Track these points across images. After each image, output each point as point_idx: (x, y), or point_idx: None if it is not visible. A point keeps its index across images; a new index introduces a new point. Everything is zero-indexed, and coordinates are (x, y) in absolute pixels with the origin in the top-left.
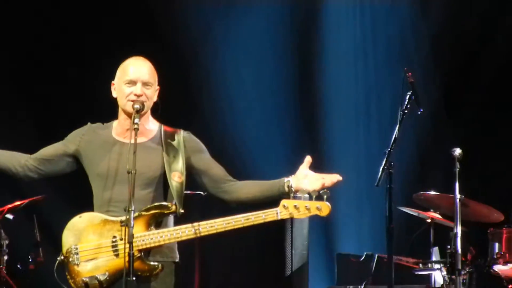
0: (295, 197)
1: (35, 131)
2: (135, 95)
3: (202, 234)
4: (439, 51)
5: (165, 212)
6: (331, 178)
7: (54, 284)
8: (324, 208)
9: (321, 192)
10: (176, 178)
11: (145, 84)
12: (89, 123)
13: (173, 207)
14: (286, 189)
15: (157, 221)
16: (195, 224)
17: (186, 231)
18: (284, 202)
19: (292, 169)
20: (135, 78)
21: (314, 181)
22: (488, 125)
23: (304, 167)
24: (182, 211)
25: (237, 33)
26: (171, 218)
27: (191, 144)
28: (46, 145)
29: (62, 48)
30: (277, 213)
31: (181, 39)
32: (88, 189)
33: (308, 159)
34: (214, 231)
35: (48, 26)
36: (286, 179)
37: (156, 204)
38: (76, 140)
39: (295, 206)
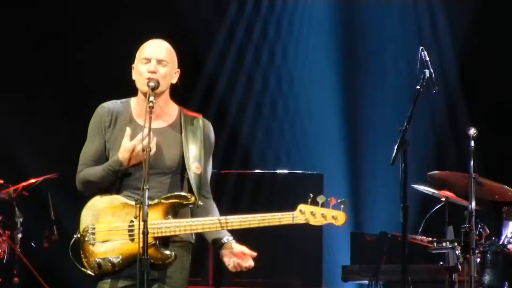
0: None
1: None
2: (149, 71)
3: (217, 229)
4: (456, 30)
5: (184, 202)
6: (242, 265)
7: (68, 262)
8: (340, 217)
9: (339, 201)
10: (195, 169)
11: (159, 61)
12: (101, 105)
13: (192, 199)
14: (220, 241)
15: (175, 211)
16: (213, 218)
17: (203, 224)
18: (301, 207)
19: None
20: (149, 56)
21: (232, 261)
22: (503, 103)
23: (246, 252)
24: (201, 203)
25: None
26: (188, 209)
27: (207, 139)
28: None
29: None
30: (293, 217)
31: (196, 23)
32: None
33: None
34: (230, 227)
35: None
36: (230, 237)
37: (176, 193)
38: (102, 128)
39: (311, 212)
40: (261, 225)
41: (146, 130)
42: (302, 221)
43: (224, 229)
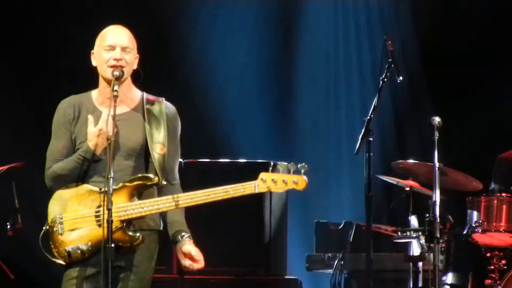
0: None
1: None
2: (115, 59)
3: (182, 206)
4: (419, 19)
5: (148, 183)
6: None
7: (33, 250)
8: (300, 181)
9: (299, 166)
10: (158, 150)
11: (124, 49)
12: (62, 101)
13: (156, 179)
14: (177, 237)
15: (140, 193)
16: (175, 196)
17: (167, 203)
18: (262, 175)
19: (269, 141)
20: (113, 43)
21: (184, 261)
22: (467, 93)
23: (192, 254)
24: (165, 182)
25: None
26: (154, 190)
27: (170, 122)
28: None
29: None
30: (255, 186)
31: (161, 7)
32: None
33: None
34: (194, 204)
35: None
36: (185, 236)
37: (139, 175)
38: (67, 122)
39: (272, 180)
40: (224, 197)
41: (107, 113)
42: (265, 189)
43: (190, 205)
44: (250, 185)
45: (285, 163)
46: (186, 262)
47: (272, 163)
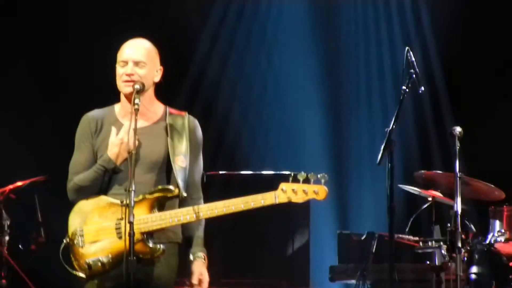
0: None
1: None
2: (126, 75)
3: (202, 217)
4: (440, 30)
5: (169, 195)
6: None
7: (55, 264)
8: (321, 191)
9: (319, 176)
10: (180, 162)
11: (136, 63)
12: (85, 115)
13: (176, 191)
14: (190, 256)
15: (160, 204)
16: (196, 207)
17: (187, 215)
18: (282, 185)
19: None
20: (126, 58)
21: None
22: (488, 103)
23: (196, 276)
24: (185, 194)
25: (239, 17)
26: (176, 202)
27: (193, 136)
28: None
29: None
30: (275, 197)
31: (180, 22)
32: None
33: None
34: (214, 215)
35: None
36: (198, 255)
37: (160, 187)
38: (89, 136)
39: (293, 190)
40: (245, 208)
41: (129, 126)
42: (285, 200)
43: (210, 216)
44: (271, 196)
45: (305, 173)
46: (193, 281)
47: (292, 174)
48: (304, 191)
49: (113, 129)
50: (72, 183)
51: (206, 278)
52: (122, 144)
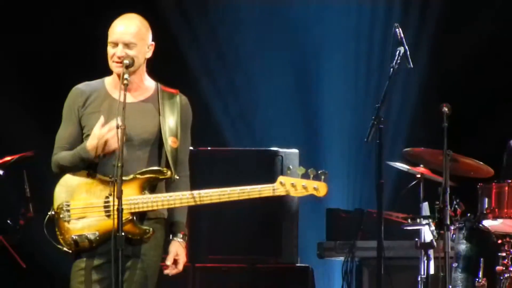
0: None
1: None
2: (117, 56)
3: (196, 203)
4: (429, 7)
5: (160, 177)
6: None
7: (44, 240)
8: (321, 188)
9: (319, 172)
10: (171, 143)
11: (126, 45)
12: (74, 87)
13: (168, 173)
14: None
15: (151, 186)
16: (191, 192)
17: (181, 198)
18: (281, 178)
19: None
20: (116, 39)
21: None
22: (477, 80)
23: (168, 259)
24: (177, 177)
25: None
26: (163, 183)
27: (184, 115)
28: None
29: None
30: (273, 189)
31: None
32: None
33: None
34: (209, 201)
35: None
36: (177, 239)
37: (151, 168)
38: (75, 109)
39: (292, 184)
40: (241, 197)
41: (116, 123)
42: (283, 193)
43: (204, 202)
44: (268, 188)
45: (304, 168)
46: (167, 262)
47: (290, 167)
48: (303, 186)
49: (101, 118)
50: (55, 158)
51: (182, 259)
52: (102, 139)
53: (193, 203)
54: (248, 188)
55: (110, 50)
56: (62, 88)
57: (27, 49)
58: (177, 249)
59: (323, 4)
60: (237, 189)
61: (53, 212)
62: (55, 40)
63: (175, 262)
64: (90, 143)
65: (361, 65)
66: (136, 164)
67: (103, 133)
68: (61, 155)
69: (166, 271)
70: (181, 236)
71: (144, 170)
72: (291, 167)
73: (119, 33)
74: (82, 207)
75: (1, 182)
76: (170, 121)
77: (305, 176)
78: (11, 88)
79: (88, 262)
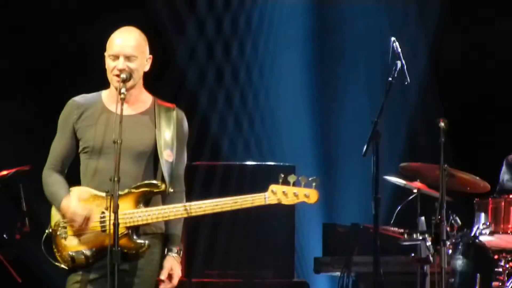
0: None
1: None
2: (118, 69)
3: (190, 214)
4: (427, 22)
5: (155, 190)
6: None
7: (40, 254)
8: (312, 195)
9: (310, 179)
10: (167, 157)
11: (127, 58)
12: (71, 99)
13: (163, 186)
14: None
15: (146, 199)
16: (184, 204)
17: (174, 211)
18: (272, 187)
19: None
20: (117, 52)
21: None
22: (474, 95)
23: (162, 275)
24: (172, 190)
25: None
26: (160, 197)
27: (180, 130)
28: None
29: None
30: (265, 198)
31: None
32: (76, 158)
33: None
34: (202, 212)
35: None
36: (172, 254)
37: (146, 182)
38: (70, 122)
39: (283, 192)
40: (233, 208)
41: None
42: (275, 202)
43: (198, 213)
44: (260, 197)
45: (295, 176)
46: (161, 277)
47: (282, 175)
48: (294, 194)
49: (87, 207)
50: (43, 179)
51: (177, 274)
52: (74, 218)
53: (186, 215)
54: (240, 198)
55: (110, 63)
56: (60, 102)
57: (26, 61)
58: (172, 264)
59: None
60: (230, 199)
61: (50, 230)
62: (52, 53)
63: (170, 277)
64: (64, 208)
65: (361, 77)
66: (132, 178)
67: (78, 215)
68: (47, 180)
69: (161, 287)
70: (176, 251)
71: (138, 184)
72: (282, 175)
73: (120, 46)
74: None
75: None
76: (166, 134)
77: (296, 183)
78: (10, 102)
79: (83, 276)
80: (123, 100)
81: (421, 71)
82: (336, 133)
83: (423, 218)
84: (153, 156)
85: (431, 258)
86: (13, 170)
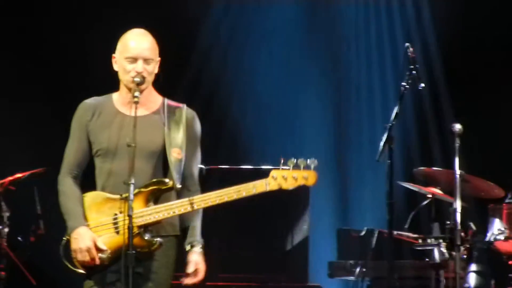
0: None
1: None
2: (137, 72)
3: (196, 208)
4: (440, 26)
5: (163, 188)
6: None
7: (54, 257)
8: (311, 177)
9: (308, 161)
10: (175, 154)
11: (145, 60)
12: (82, 102)
13: (171, 183)
14: (186, 247)
15: (156, 197)
16: (190, 198)
17: (182, 207)
18: (273, 173)
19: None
20: (135, 55)
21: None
22: (489, 100)
23: (192, 266)
24: (179, 186)
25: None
26: (171, 194)
27: (190, 129)
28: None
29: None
30: (266, 184)
31: (182, 12)
32: (90, 160)
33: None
34: (208, 205)
35: None
36: (194, 246)
37: (154, 180)
38: (84, 124)
39: (283, 177)
40: (237, 197)
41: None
42: (276, 187)
43: (204, 206)
44: (261, 184)
45: (294, 159)
46: (188, 270)
47: (282, 160)
48: (293, 177)
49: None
50: (59, 187)
51: (202, 268)
52: (78, 250)
53: (191, 209)
54: (242, 186)
55: (128, 66)
56: (73, 104)
57: (39, 63)
58: (197, 259)
59: None
60: (232, 188)
61: (67, 237)
62: (68, 57)
63: (196, 272)
64: (71, 236)
65: (375, 82)
66: (142, 177)
67: (84, 251)
68: (63, 189)
69: (186, 281)
70: (200, 245)
71: (147, 183)
72: (282, 159)
73: (139, 48)
74: (93, 227)
75: (13, 199)
76: (175, 133)
77: (296, 167)
78: (24, 104)
79: (100, 279)
80: (136, 104)
81: (435, 75)
82: (350, 138)
83: (437, 223)
84: (163, 155)
85: (445, 263)
86: (27, 173)
